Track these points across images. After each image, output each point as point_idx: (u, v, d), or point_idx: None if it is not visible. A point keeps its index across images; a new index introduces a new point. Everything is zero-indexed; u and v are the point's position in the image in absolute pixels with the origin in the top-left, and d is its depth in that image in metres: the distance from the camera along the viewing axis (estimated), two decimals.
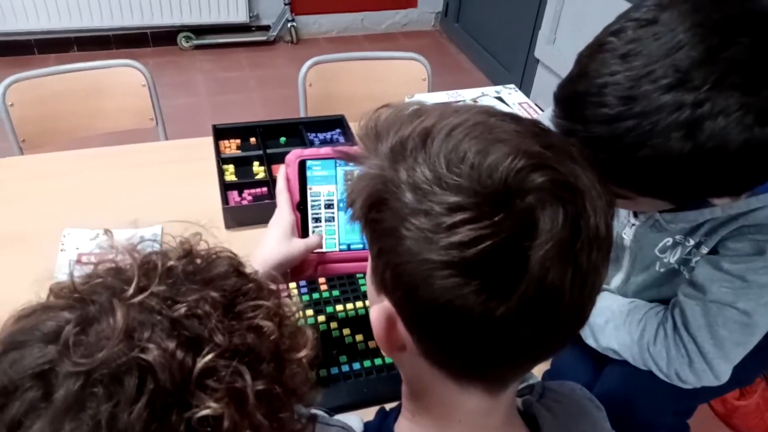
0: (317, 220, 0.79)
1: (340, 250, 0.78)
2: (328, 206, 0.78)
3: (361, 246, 0.77)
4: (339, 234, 0.79)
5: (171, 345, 0.32)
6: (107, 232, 0.40)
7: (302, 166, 0.76)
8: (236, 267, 0.39)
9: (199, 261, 0.38)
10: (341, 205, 0.79)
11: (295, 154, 0.75)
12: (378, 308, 0.40)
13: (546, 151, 0.36)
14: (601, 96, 0.52)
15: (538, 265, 0.33)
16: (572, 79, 0.56)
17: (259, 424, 0.33)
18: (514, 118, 0.39)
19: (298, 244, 0.70)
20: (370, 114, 0.41)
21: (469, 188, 0.33)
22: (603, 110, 0.52)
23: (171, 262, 0.37)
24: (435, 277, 0.34)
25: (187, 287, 0.35)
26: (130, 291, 0.34)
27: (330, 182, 0.78)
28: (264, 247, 0.68)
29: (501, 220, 0.33)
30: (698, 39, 0.49)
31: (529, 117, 0.41)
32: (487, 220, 0.32)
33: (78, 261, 0.89)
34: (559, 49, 2.37)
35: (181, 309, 0.33)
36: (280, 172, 0.76)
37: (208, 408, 0.31)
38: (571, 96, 0.55)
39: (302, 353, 0.39)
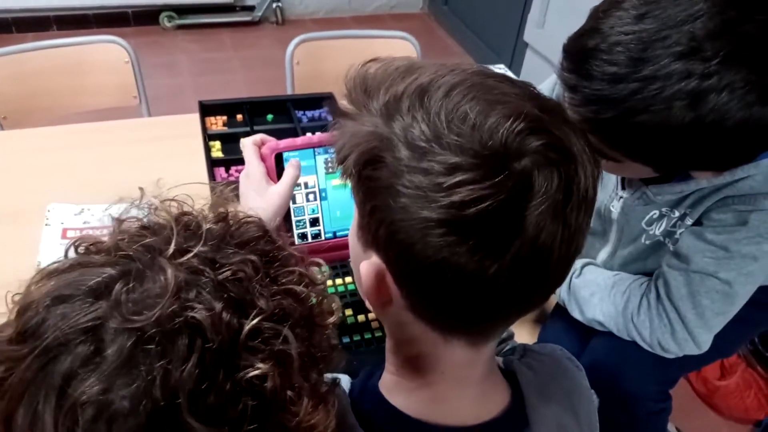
0: (300, 212, 0.78)
1: (326, 239, 0.77)
2: (311, 197, 0.77)
3: (347, 232, 0.76)
4: (324, 223, 0.78)
5: (218, 306, 0.32)
6: (140, 189, 0.39)
7: (279, 159, 0.73)
8: (266, 231, 0.39)
9: (232, 223, 0.38)
10: (323, 194, 0.78)
11: (270, 148, 0.71)
12: (368, 264, 0.40)
13: (543, 114, 0.36)
14: (611, 54, 0.52)
15: (533, 225, 0.34)
16: (584, 33, 0.55)
17: (300, 385, 0.34)
18: (509, 79, 0.39)
19: (277, 190, 0.67)
20: (357, 68, 0.40)
21: (470, 149, 0.34)
22: (611, 69, 0.52)
23: (209, 224, 0.36)
24: (431, 234, 0.34)
25: (231, 250, 0.35)
26: (171, 250, 0.34)
27: (310, 172, 0.76)
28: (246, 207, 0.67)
29: (501, 181, 0.33)
30: (717, 10, 0.50)
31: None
32: (488, 181, 0.33)
33: (63, 236, 0.88)
34: (548, 33, 2.37)
35: (226, 272, 0.34)
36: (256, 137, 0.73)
37: (258, 369, 0.31)
38: (581, 50, 0.55)
39: (332, 319, 0.40)
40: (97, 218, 0.92)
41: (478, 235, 0.34)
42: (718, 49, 0.49)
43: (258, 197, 0.67)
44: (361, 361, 0.78)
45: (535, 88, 0.40)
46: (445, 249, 0.34)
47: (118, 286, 0.31)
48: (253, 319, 0.32)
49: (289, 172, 0.69)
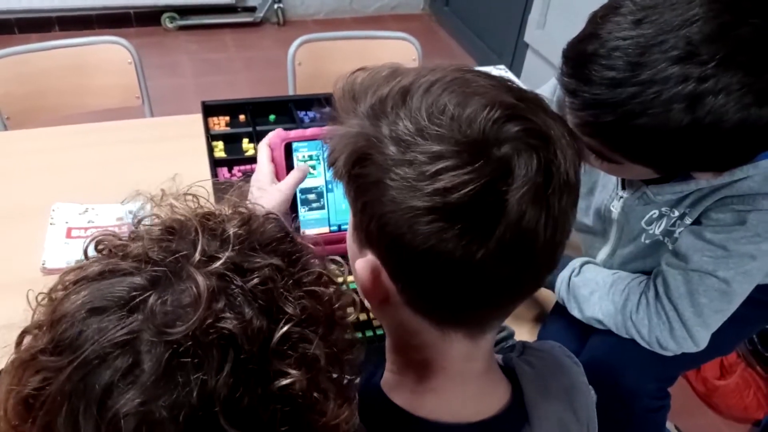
0: (306, 202, 0.79)
1: (331, 231, 0.78)
2: (318, 188, 0.78)
3: None
4: (329, 215, 0.79)
5: (249, 315, 0.32)
6: (162, 191, 0.39)
7: (288, 149, 0.74)
8: (286, 230, 0.39)
9: (254, 226, 0.38)
10: (330, 186, 0.79)
11: (279, 137, 0.73)
12: (363, 261, 0.41)
13: (520, 102, 0.38)
14: (609, 59, 0.53)
15: (515, 208, 0.35)
16: (583, 38, 0.56)
17: (326, 388, 0.35)
18: (487, 74, 0.41)
19: (279, 187, 0.70)
20: (346, 77, 0.42)
21: (451, 138, 0.35)
22: (610, 73, 0.53)
23: (235, 229, 0.36)
24: (419, 223, 0.35)
25: (256, 254, 0.35)
26: (197, 257, 0.33)
27: (317, 163, 0.77)
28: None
29: (481, 166, 0.35)
30: (713, 14, 0.50)
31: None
32: (469, 167, 0.35)
33: (68, 235, 0.89)
34: (548, 34, 2.37)
35: (254, 279, 0.34)
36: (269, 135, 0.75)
37: (289, 377, 0.32)
38: (580, 55, 0.56)
39: (352, 317, 0.40)
40: (103, 216, 0.93)
41: (463, 221, 0.35)
42: (714, 52, 0.50)
43: (261, 193, 0.69)
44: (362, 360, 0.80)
45: (513, 83, 0.41)
46: (433, 236, 0.35)
47: (152, 299, 0.31)
48: (282, 327, 0.33)
49: (294, 174, 0.71)
